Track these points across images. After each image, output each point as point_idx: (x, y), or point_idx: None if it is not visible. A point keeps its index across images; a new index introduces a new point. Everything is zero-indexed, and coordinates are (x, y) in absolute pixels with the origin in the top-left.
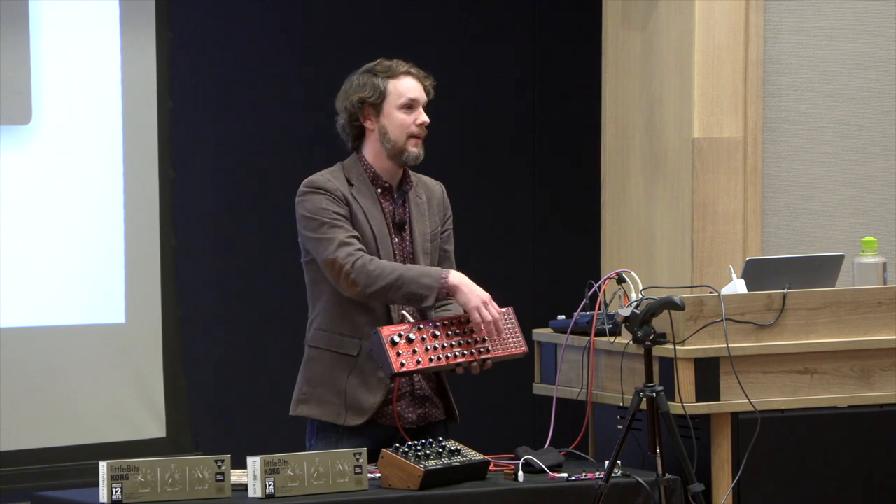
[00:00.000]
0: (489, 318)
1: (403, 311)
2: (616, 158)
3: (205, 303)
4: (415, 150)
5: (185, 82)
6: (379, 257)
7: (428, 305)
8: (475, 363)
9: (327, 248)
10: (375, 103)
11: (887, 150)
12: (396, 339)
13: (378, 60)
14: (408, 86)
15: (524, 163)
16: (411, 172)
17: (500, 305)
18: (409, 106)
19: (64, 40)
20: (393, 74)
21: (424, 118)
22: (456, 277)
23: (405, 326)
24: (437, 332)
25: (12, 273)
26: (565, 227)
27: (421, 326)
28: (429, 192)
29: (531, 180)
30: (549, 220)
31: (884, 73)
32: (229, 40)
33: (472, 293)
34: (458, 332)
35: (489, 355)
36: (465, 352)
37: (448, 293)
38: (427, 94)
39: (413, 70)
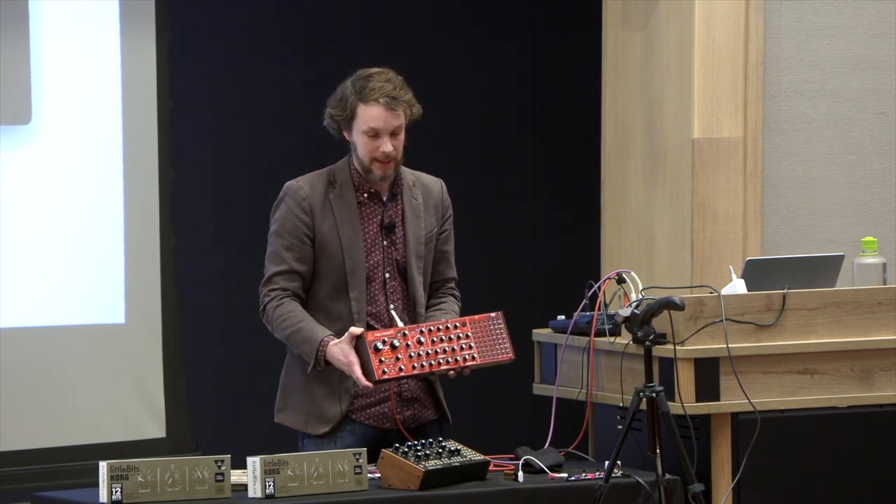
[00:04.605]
0: (361, 384)
1: (392, 312)
2: (616, 158)
3: (205, 303)
4: (379, 172)
5: (185, 82)
6: (346, 268)
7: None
8: (453, 371)
9: (264, 273)
10: (344, 123)
11: (887, 150)
12: (380, 345)
13: (368, 73)
14: (373, 115)
15: (524, 163)
16: (408, 171)
17: (496, 307)
18: (374, 135)
19: (64, 40)
20: (364, 98)
21: (387, 148)
22: (330, 354)
23: (390, 332)
24: (423, 339)
25: (12, 273)
26: (565, 227)
27: (406, 332)
28: (426, 192)
29: (531, 180)
30: (549, 220)
31: (883, 73)
32: (229, 40)
33: (347, 370)
34: (444, 338)
35: (474, 363)
36: (450, 359)
37: (328, 364)
38: (406, 116)
39: (383, 99)
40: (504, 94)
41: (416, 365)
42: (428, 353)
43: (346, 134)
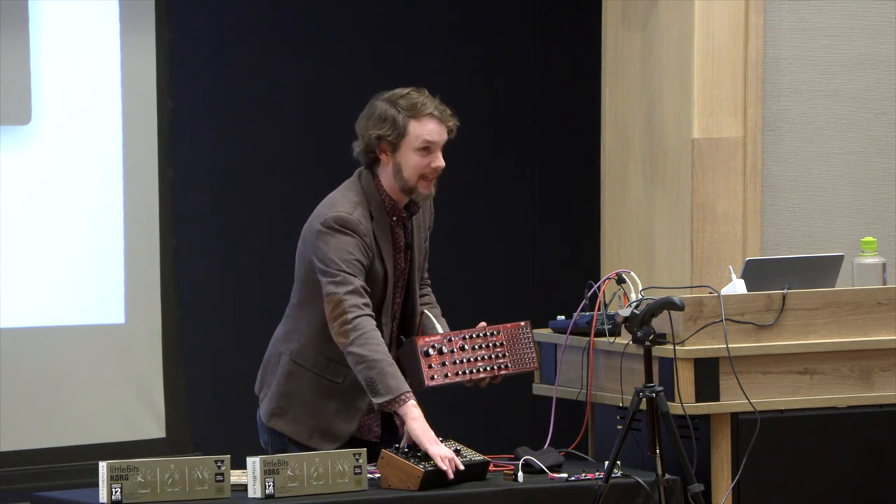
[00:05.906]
0: (448, 458)
1: (426, 311)
2: (616, 158)
3: (205, 303)
4: (425, 191)
5: (185, 82)
6: (384, 296)
7: (371, 400)
8: (487, 379)
9: (340, 287)
10: (393, 142)
11: (887, 150)
12: (430, 351)
13: (406, 92)
14: (429, 129)
15: (524, 163)
16: None
17: (496, 306)
18: (427, 149)
19: (64, 40)
20: (416, 114)
21: (439, 163)
22: (412, 410)
23: (437, 337)
24: (466, 346)
25: (12, 273)
26: (565, 227)
27: (452, 338)
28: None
29: (531, 180)
30: (549, 220)
31: (884, 73)
32: (229, 41)
33: (422, 434)
34: (483, 345)
35: (507, 372)
36: (487, 367)
37: (395, 413)
38: (449, 133)
39: (436, 112)
40: (504, 93)
41: (459, 372)
42: (469, 360)
43: (385, 156)
